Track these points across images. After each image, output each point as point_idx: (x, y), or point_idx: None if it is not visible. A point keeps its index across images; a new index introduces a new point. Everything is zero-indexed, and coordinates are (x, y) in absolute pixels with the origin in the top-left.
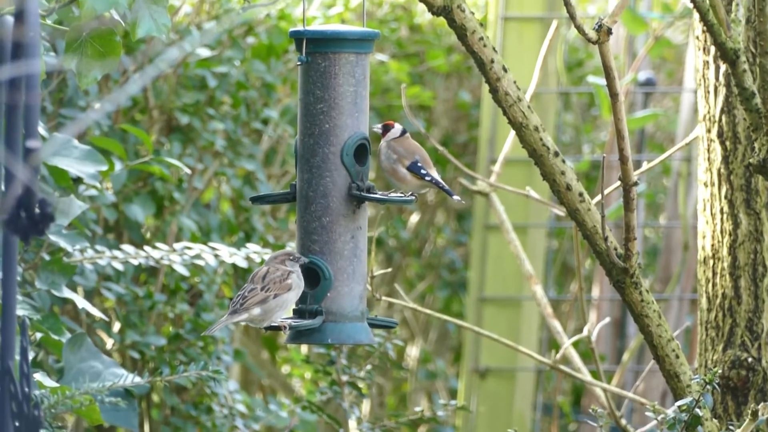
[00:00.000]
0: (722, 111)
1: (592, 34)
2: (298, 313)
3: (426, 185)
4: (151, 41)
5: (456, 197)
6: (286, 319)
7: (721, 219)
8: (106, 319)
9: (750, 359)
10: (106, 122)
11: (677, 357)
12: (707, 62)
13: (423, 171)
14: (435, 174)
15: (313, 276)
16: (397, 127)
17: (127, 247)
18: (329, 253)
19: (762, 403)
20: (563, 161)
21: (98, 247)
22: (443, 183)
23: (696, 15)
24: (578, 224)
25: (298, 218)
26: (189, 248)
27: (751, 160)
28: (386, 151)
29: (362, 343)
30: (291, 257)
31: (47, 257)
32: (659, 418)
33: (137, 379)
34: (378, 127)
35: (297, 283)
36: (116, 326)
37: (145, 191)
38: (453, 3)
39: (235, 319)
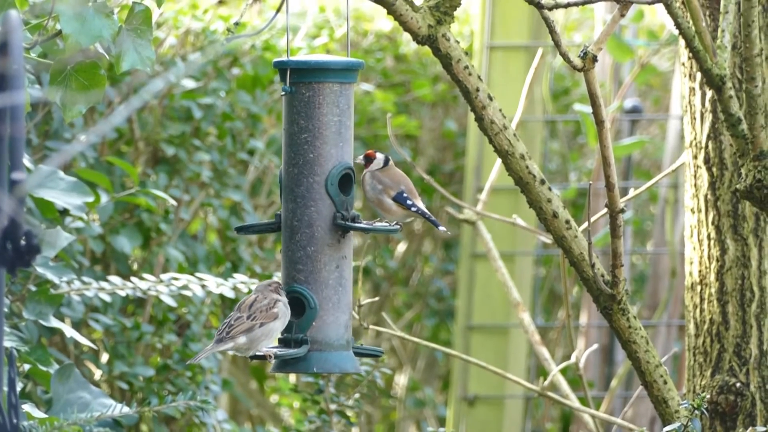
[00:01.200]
0: (709, 137)
1: (578, 62)
2: (284, 342)
3: (411, 215)
4: (136, 73)
5: (442, 228)
6: (272, 348)
7: (709, 245)
8: (95, 347)
9: (738, 384)
10: (92, 154)
11: (665, 383)
12: (693, 89)
13: (409, 202)
14: (420, 204)
15: (299, 305)
16: (380, 157)
17: (114, 279)
18: (314, 283)
19: (750, 428)
20: (549, 189)
21: (85, 279)
22: (429, 213)
23: (682, 42)
24: (565, 251)
25: (283, 248)
26: (176, 279)
27: (737, 186)
28: (371, 182)
29: (348, 372)
30: (280, 286)
31: (34, 289)
32: None
33: (126, 410)
34: (360, 159)
35: (284, 311)
36: (104, 357)
37: (131, 223)
38: (438, 32)
39: (220, 347)
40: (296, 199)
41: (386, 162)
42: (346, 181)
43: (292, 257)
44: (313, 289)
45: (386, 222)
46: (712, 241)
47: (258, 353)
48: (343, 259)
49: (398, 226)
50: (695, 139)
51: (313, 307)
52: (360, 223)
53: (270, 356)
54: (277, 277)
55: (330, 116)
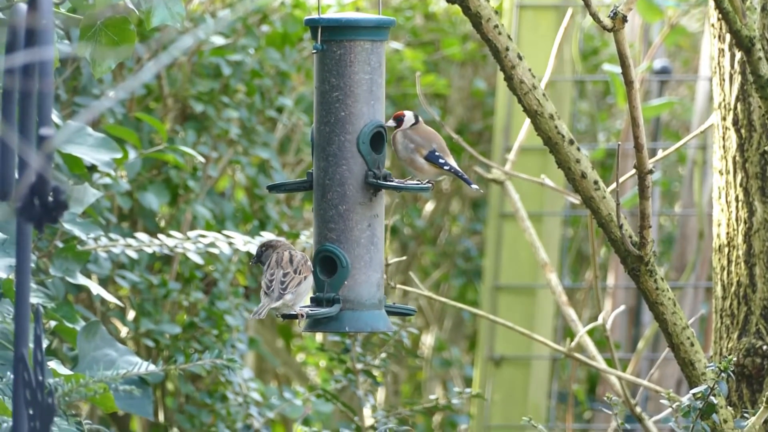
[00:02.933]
0: (737, 99)
1: (608, 22)
2: (316, 301)
3: (444, 174)
4: (165, 29)
5: (474, 186)
6: (304, 308)
7: (737, 207)
8: (121, 305)
9: (765, 347)
10: (121, 110)
11: (692, 345)
12: (722, 50)
13: (441, 160)
14: (453, 162)
15: (330, 264)
16: (409, 115)
17: (142, 236)
18: (346, 241)
19: None
20: (578, 149)
21: (112, 235)
22: (461, 172)
23: (711, 2)
24: (593, 212)
25: (314, 206)
26: (203, 236)
27: (766, 148)
28: (403, 141)
29: (380, 331)
30: (286, 244)
31: (61, 245)
32: (674, 405)
33: (152, 367)
34: (391, 122)
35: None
36: (131, 314)
37: (159, 179)
38: None
39: (278, 303)
40: (328, 158)
41: (416, 120)
42: (378, 140)
43: (324, 216)
44: (345, 248)
45: (418, 180)
46: (740, 203)
47: (292, 312)
48: (374, 217)
49: (430, 185)
50: (724, 100)
51: (345, 266)
52: (392, 181)
53: (302, 315)
54: (306, 235)
55: (361, 74)
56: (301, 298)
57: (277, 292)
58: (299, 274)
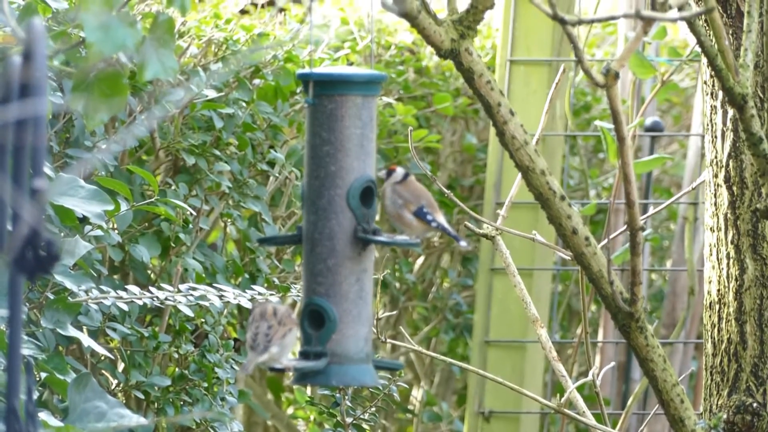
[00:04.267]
0: (729, 156)
1: (600, 78)
2: (303, 354)
3: (432, 230)
4: (158, 82)
5: (463, 243)
6: (291, 361)
7: (728, 264)
8: (112, 358)
9: (755, 404)
10: (112, 163)
11: (682, 402)
12: (715, 107)
13: (429, 217)
14: (441, 219)
15: (318, 318)
16: (399, 171)
17: (133, 288)
18: (334, 296)
19: None
20: (569, 205)
21: (103, 288)
22: (450, 228)
23: (704, 60)
24: (584, 268)
25: (303, 260)
26: (194, 289)
27: (758, 206)
28: (391, 196)
29: (367, 385)
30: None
31: (52, 297)
32: None
33: (142, 420)
34: (383, 172)
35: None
36: (121, 366)
37: (150, 232)
38: (461, 46)
39: (261, 358)
40: (317, 212)
41: (405, 176)
42: (368, 195)
43: (312, 270)
44: (333, 302)
45: (407, 236)
46: (731, 260)
47: (278, 365)
48: (363, 272)
49: (419, 241)
50: (716, 157)
51: (333, 319)
52: (381, 236)
53: (289, 369)
54: (296, 289)
55: (352, 129)
56: (287, 350)
57: (262, 345)
58: (283, 326)
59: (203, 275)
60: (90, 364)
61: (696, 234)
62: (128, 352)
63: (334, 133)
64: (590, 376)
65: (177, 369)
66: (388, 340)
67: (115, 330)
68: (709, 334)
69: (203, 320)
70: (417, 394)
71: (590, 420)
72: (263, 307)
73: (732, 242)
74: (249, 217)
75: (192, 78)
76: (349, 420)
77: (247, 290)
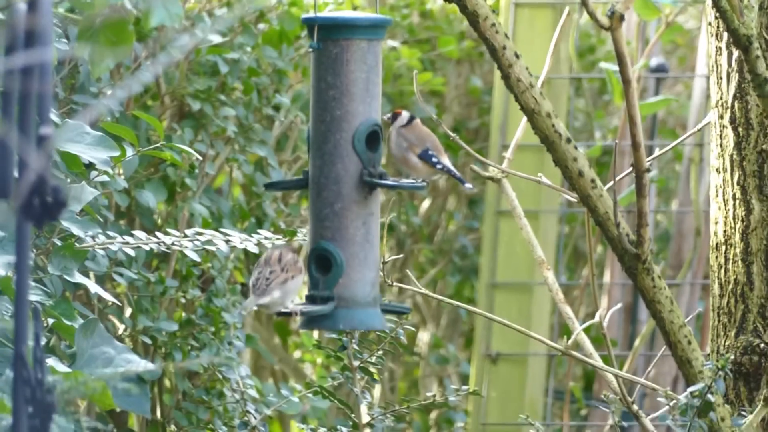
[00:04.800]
0: (735, 97)
1: (605, 20)
2: (310, 299)
3: (437, 173)
4: (163, 28)
5: (468, 185)
6: (298, 305)
7: (734, 205)
8: (118, 303)
9: (762, 345)
10: (118, 109)
11: (689, 343)
12: (720, 48)
13: (434, 159)
14: (446, 161)
15: (325, 262)
16: (405, 114)
17: (139, 233)
18: (341, 240)
19: None
20: (575, 147)
21: (110, 233)
22: (455, 171)
23: (708, 1)
24: (590, 210)
25: (310, 205)
26: (200, 234)
27: (763, 146)
28: (396, 139)
29: (374, 329)
30: (292, 250)
31: (59, 243)
32: (671, 403)
33: (149, 365)
34: (387, 116)
35: (303, 269)
36: (128, 312)
37: (156, 177)
38: None
39: (261, 300)
40: (323, 156)
41: (411, 119)
42: (374, 138)
43: (318, 214)
44: (339, 246)
45: (412, 179)
46: (737, 201)
47: (284, 309)
48: (370, 215)
49: (425, 184)
50: (721, 98)
51: (340, 264)
52: (387, 179)
53: (296, 313)
54: (303, 233)
55: (358, 73)
56: (290, 296)
57: (260, 289)
58: (285, 272)
59: (209, 220)
60: (97, 309)
61: (702, 175)
62: (135, 297)
63: (339, 78)
64: (597, 318)
65: (184, 314)
66: (395, 284)
67: (122, 275)
68: (716, 275)
69: (210, 265)
70: (424, 337)
71: (597, 362)
72: (270, 252)
73: (738, 183)
74: (255, 162)
75: (197, 23)
76: (356, 363)
77: (253, 235)
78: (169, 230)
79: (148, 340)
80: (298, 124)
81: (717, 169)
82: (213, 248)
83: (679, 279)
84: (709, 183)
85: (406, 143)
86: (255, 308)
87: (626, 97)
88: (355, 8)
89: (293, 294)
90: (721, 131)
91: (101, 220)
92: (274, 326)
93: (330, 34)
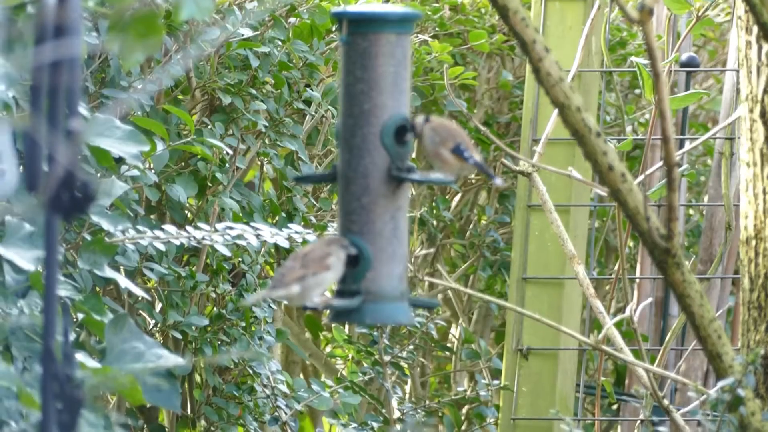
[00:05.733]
0: (765, 91)
1: (635, 14)
2: (338, 293)
3: (469, 168)
4: (194, 21)
5: (497, 180)
6: (326, 299)
7: (764, 199)
8: (149, 298)
9: None
10: (148, 103)
11: (719, 337)
12: (750, 42)
13: (466, 154)
14: (477, 156)
15: (353, 256)
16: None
17: (169, 228)
18: (369, 234)
19: None
20: (605, 141)
21: (140, 228)
22: (486, 166)
23: None
24: (620, 204)
25: (338, 198)
26: (231, 228)
27: None
28: (429, 134)
29: (402, 324)
30: (341, 243)
31: (89, 237)
32: (702, 398)
33: (179, 360)
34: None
35: (336, 265)
36: (158, 306)
37: (187, 171)
38: None
39: (273, 293)
40: (352, 150)
41: (426, 119)
42: (402, 133)
43: (347, 208)
44: (367, 240)
45: (441, 174)
46: (767, 195)
47: (310, 304)
48: (398, 210)
49: (452, 178)
50: (751, 92)
51: (367, 257)
52: (415, 174)
53: (323, 307)
54: (333, 227)
55: (386, 67)
56: (313, 291)
57: (273, 283)
58: (306, 268)
59: (240, 214)
60: (127, 304)
61: (732, 169)
62: (165, 292)
63: (367, 72)
64: (628, 312)
65: (214, 308)
66: (426, 278)
67: (152, 270)
68: (746, 269)
69: (240, 259)
70: (455, 331)
71: (628, 356)
72: (304, 248)
73: None
74: (285, 156)
75: (227, 17)
76: (387, 358)
77: (283, 229)
78: (199, 225)
79: (178, 335)
80: (329, 119)
81: (747, 163)
82: (243, 243)
83: (709, 273)
84: (740, 177)
85: (438, 138)
86: (264, 302)
87: (657, 91)
88: (385, 2)
89: (319, 289)
90: (751, 125)
91: (131, 214)
92: (304, 321)
93: (359, 27)
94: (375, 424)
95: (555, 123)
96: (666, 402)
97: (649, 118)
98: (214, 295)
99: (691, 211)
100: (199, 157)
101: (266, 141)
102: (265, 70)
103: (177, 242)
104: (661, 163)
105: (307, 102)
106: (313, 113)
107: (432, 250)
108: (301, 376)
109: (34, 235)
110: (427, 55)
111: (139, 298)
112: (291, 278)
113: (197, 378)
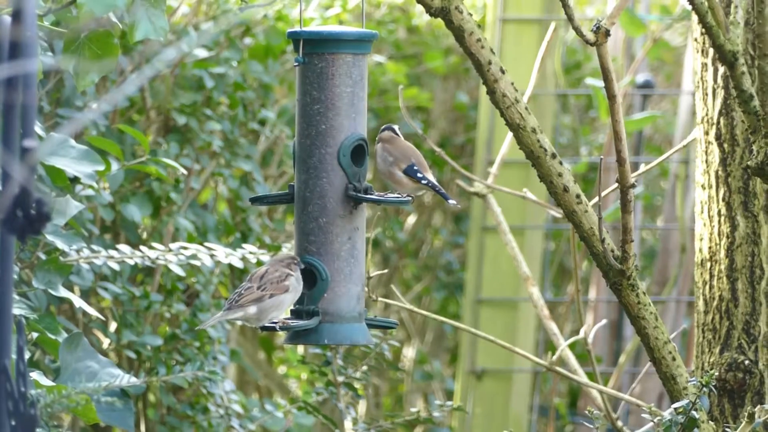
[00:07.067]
0: (720, 113)
1: (590, 36)
2: (295, 313)
3: (422, 188)
4: (149, 42)
5: (452, 201)
6: (287, 320)
7: (719, 221)
8: (103, 318)
9: (747, 362)
10: (103, 122)
11: (674, 359)
12: (706, 64)
13: (419, 174)
14: (431, 177)
15: (310, 277)
16: (388, 131)
17: (124, 247)
18: (326, 254)
19: (759, 406)
20: (560, 163)
21: (95, 247)
22: (439, 186)
23: (694, 17)
24: (575, 226)
25: (295, 219)
26: (185, 248)
27: (749, 163)
28: (382, 154)
29: (359, 344)
30: (294, 261)
31: (43, 257)
32: (656, 420)
33: (133, 379)
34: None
35: (295, 286)
36: (113, 326)
37: (141, 191)
38: (451, 4)
39: (230, 316)
40: (308, 170)
41: (395, 135)
42: (359, 153)
43: (304, 228)
44: (324, 261)
45: (397, 194)
46: (722, 218)
47: (268, 324)
48: (355, 230)
49: (410, 199)
50: (707, 114)
51: (325, 278)
52: (372, 194)
53: (280, 327)
54: (288, 248)
55: (343, 87)
56: (270, 313)
57: (227, 305)
58: (262, 290)
59: (194, 234)
60: (82, 323)
61: (687, 191)
62: (120, 311)
63: (324, 92)
64: (582, 334)
65: (169, 328)
66: (380, 299)
67: (106, 290)
68: (701, 291)
69: (195, 279)
70: (409, 352)
71: (582, 378)
72: (261, 269)
73: (723, 199)
74: (240, 177)
75: (182, 37)
76: (340, 379)
77: (238, 249)
78: (154, 245)
79: (132, 355)
80: (284, 139)
81: (702, 186)
82: (198, 263)
83: (664, 295)
84: (695, 199)
85: (391, 158)
86: (218, 322)
87: (611, 113)
88: (341, 23)
89: (275, 311)
90: (706, 147)
91: (86, 234)
92: (259, 341)
93: (315, 48)
94: None
95: (510, 144)
96: (620, 424)
97: (603, 139)
98: (168, 315)
99: (645, 234)
100: (153, 177)
101: (221, 161)
102: (220, 90)
103: (131, 262)
104: (615, 185)
105: (262, 123)
106: (268, 134)
107: (386, 270)
108: (255, 396)
109: None
110: (383, 76)
111: (94, 318)
112: (248, 300)
113: (151, 397)
